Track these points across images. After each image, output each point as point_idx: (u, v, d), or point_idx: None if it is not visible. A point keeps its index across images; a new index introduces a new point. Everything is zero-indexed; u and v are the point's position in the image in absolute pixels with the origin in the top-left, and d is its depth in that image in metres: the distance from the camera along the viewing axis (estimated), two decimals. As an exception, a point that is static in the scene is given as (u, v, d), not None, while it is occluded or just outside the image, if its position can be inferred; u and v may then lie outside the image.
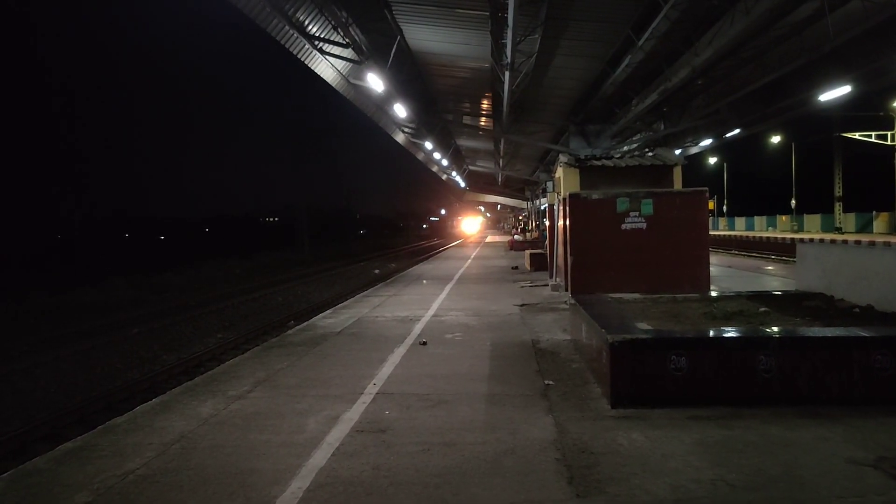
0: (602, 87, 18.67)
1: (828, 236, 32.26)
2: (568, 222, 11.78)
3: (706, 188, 10.85)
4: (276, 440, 4.90)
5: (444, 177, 56.06)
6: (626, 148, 23.59)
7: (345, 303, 13.69)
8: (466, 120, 26.83)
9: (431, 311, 11.60)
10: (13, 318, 18.64)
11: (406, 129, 29.59)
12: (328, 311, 12.28)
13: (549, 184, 21.84)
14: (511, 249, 34.57)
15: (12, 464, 4.71)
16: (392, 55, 16.80)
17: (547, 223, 20.10)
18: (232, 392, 6.35)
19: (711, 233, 12.28)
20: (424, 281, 18.01)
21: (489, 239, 63.15)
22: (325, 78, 18.75)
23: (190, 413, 5.68)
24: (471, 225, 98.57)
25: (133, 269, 32.26)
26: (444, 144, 36.87)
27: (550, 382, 6.36)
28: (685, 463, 4.18)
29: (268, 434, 5.05)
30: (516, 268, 21.25)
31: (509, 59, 14.60)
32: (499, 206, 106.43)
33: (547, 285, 15.19)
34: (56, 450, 4.90)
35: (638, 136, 24.56)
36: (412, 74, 20.57)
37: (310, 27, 15.52)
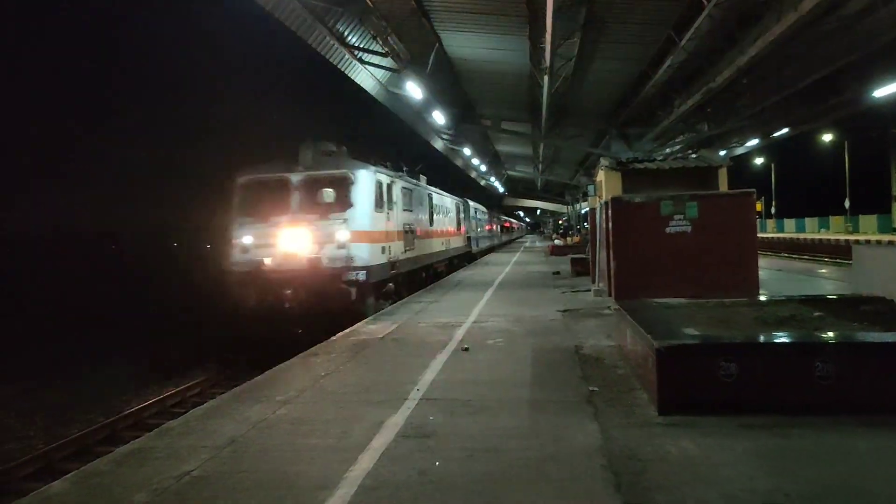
0: (643, 88, 18.45)
1: (885, 237, 31.13)
2: (610, 226, 11.63)
3: (753, 189, 10.59)
4: (322, 445, 4.95)
5: (483, 182, 55.99)
6: (668, 150, 23.23)
7: (385, 309, 13.77)
8: (505, 125, 26.80)
9: (472, 317, 11.58)
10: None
11: (444, 136, 29.71)
12: (369, 318, 12.37)
13: (591, 187, 21.65)
14: (552, 255, 34.28)
15: (75, 464, 4.88)
16: (430, 62, 16.92)
17: (588, 227, 19.88)
18: (279, 397, 6.44)
19: (759, 235, 11.97)
20: (464, 287, 18.00)
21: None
22: (364, 87, 18.97)
23: (239, 417, 5.77)
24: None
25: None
26: (483, 150, 36.91)
27: (595, 388, 6.28)
28: (738, 472, 4.07)
29: (314, 438, 5.11)
30: (558, 273, 21.06)
31: (548, 64, 14.56)
32: (538, 211, 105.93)
33: (589, 291, 14.99)
34: (116, 451, 5.05)
35: (681, 138, 24.15)
36: (450, 81, 20.69)
37: (350, 37, 15.73)
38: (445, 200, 24.68)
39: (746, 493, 3.75)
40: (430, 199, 21.13)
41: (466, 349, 8.55)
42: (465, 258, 29.78)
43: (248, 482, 4.25)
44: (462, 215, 29.40)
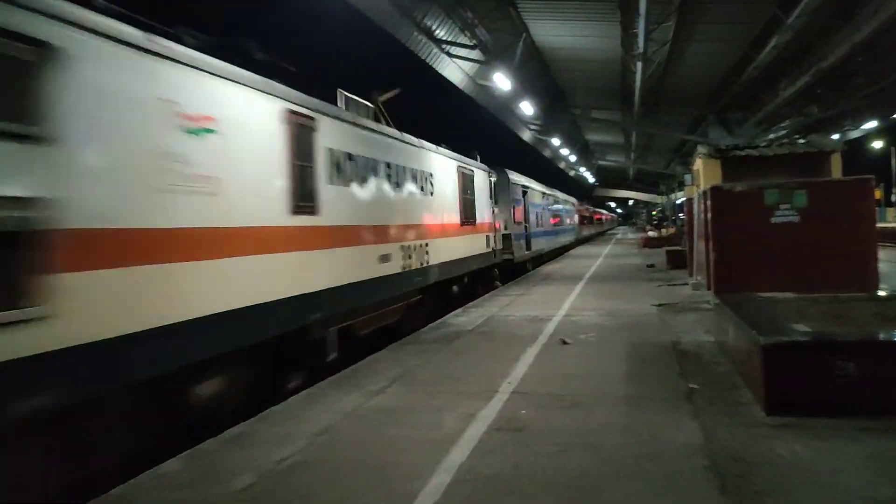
0: (744, 71, 17.52)
1: None
2: (709, 217, 11.11)
3: (872, 176, 9.80)
4: (415, 435, 5.00)
5: (572, 173, 55.04)
6: (772, 136, 21.97)
7: (474, 301, 13.76)
8: (595, 114, 26.17)
9: (562, 311, 11.39)
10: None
11: (533, 127, 29.37)
12: (458, 310, 12.40)
13: (687, 176, 20.79)
14: (645, 247, 33.25)
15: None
16: (518, 53, 16.75)
17: (685, 218, 19.13)
18: (372, 387, 6.56)
19: (878, 225, 11.07)
20: (553, 281, 17.75)
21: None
22: (452, 81, 19.03)
23: (334, 406, 5.91)
24: None
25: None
26: (572, 140, 36.24)
27: (695, 386, 6.01)
28: (858, 478, 3.76)
29: (407, 429, 5.16)
30: (652, 266, 20.38)
31: (641, 49, 14.09)
32: (630, 202, 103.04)
33: (686, 284, 14.44)
34: (222, 434, 5.27)
35: (787, 122, 22.76)
36: (539, 71, 20.41)
37: (437, 31, 15.81)
38: (420, 157, 11.68)
39: (867, 502, 3.46)
40: (305, 136, 7.45)
41: (566, 342, 8.39)
42: (483, 276, 16.51)
43: (342, 470, 4.36)
44: (488, 196, 16.71)
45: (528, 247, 21.85)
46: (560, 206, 31.50)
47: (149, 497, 4.09)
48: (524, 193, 21.71)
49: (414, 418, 5.44)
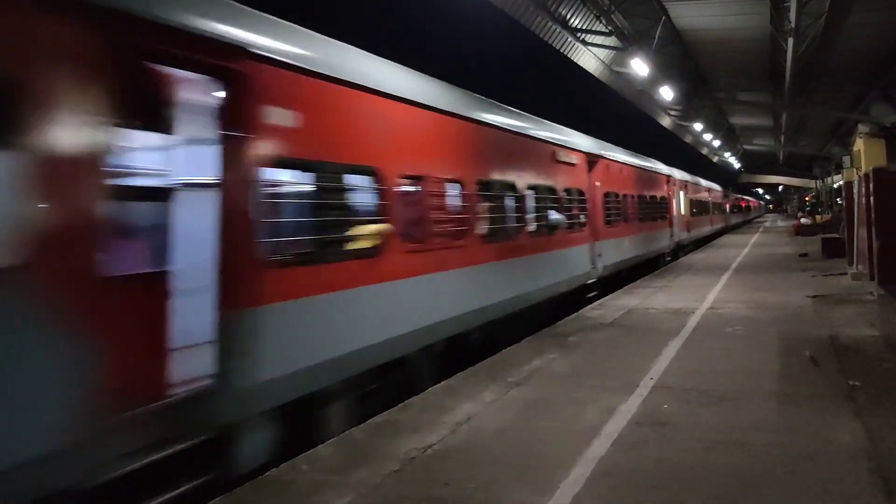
0: (915, 39, 15.76)
1: None
2: (872, 201, 10.27)
3: None
4: (555, 427, 5.09)
5: (716, 159, 52.08)
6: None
7: (612, 294, 13.52)
8: (741, 96, 24.67)
9: (707, 303, 10.95)
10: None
11: (672, 112, 28.22)
12: (596, 303, 12.25)
13: (846, 158, 19.15)
14: (797, 234, 30.88)
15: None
16: (656, 37, 16.24)
17: (843, 203, 17.63)
18: (511, 379, 6.69)
19: None
20: (696, 271, 17.00)
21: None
22: (587, 69, 18.80)
23: (475, 397, 6.07)
24: None
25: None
26: (715, 124, 34.39)
27: (856, 383, 5.65)
28: None
29: (547, 421, 5.26)
30: (805, 255, 18.95)
31: (793, 25, 13.18)
32: (780, 188, 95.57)
33: (845, 274, 13.35)
34: (368, 422, 5.53)
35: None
36: (679, 54, 19.68)
37: (572, 20, 15.70)
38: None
39: None
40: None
41: (709, 335, 8.11)
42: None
43: (485, 458, 4.51)
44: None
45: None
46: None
47: (307, 478, 4.32)
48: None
49: (553, 410, 5.52)
